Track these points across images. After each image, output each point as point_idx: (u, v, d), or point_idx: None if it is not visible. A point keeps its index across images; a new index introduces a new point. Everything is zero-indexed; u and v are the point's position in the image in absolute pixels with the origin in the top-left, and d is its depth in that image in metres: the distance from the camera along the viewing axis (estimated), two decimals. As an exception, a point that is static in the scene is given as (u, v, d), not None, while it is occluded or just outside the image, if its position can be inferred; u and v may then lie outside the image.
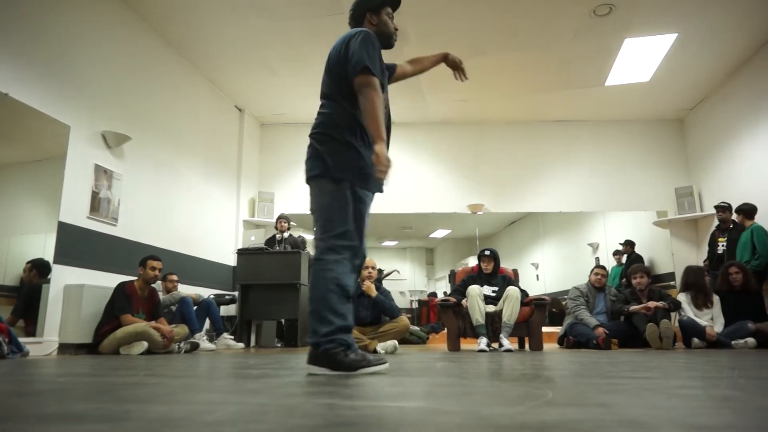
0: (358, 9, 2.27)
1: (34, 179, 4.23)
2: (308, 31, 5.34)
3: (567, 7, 4.95)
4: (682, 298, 4.94)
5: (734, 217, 5.59)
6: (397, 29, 2.29)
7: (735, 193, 6.03)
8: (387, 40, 2.26)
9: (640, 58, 5.86)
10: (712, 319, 4.79)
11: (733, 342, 4.49)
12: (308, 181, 2.13)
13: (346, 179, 2.05)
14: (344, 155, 2.07)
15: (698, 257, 6.79)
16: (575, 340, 4.89)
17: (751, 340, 4.44)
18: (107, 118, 4.64)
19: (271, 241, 6.05)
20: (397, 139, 7.75)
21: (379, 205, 8.31)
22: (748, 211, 5.42)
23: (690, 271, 5.08)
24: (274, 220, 6.34)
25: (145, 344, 4.02)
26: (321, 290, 1.96)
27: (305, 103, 6.94)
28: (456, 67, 2.53)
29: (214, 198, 6.49)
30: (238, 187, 7.05)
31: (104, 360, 3.17)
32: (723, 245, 5.63)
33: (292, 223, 6.35)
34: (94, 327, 4.11)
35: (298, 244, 6.06)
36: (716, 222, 5.89)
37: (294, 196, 7.25)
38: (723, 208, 5.65)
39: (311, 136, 2.15)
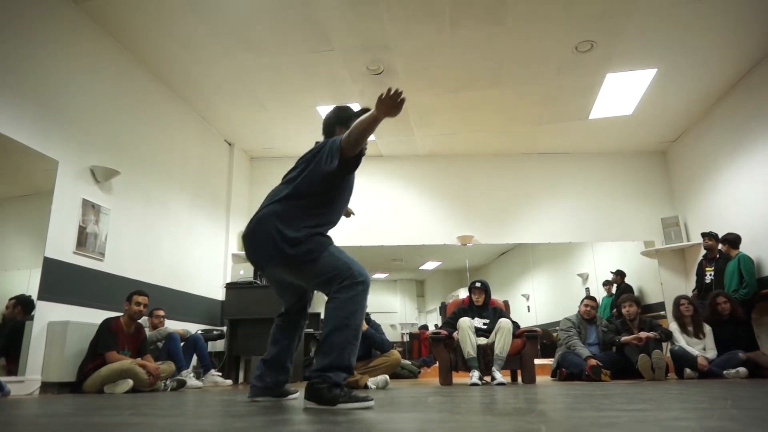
0: (329, 124, 2.61)
1: (20, 214, 4.18)
2: (297, 67, 5.44)
3: (550, 44, 5.11)
4: (674, 327, 4.95)
5: (720, 246, 5.67)
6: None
7: (720, 223, 6.13)
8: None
9: (622, 92, 6.02)
10: (704, 349, 4.79)
11: (724, 372, 4.48)
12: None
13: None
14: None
15: (687, 287, 6.83)
16: (568, 372, 4.85)
17: (742, 370, 4.43)
18: (96, 153, 4.65)
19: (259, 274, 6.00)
20: (386, 172, 7.85)
21: (369, 237, 8.17)
22: (732, 240, 5.50)
23: (674, 302, 5.13)
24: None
25: (130, 382, 3.92)
26: (331, 326, 2.15)
27: (294, 137, 7.02)
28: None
29: (203, 232, 6.46)
30: (228, 221, 7.03)
31: (88, 399, 3.08)
32: (710, 274, 5.68)
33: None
34: (78, 365, 4.01)
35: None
36: (703, 251, 5.96)
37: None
38: (709, 236, 5.74)
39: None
